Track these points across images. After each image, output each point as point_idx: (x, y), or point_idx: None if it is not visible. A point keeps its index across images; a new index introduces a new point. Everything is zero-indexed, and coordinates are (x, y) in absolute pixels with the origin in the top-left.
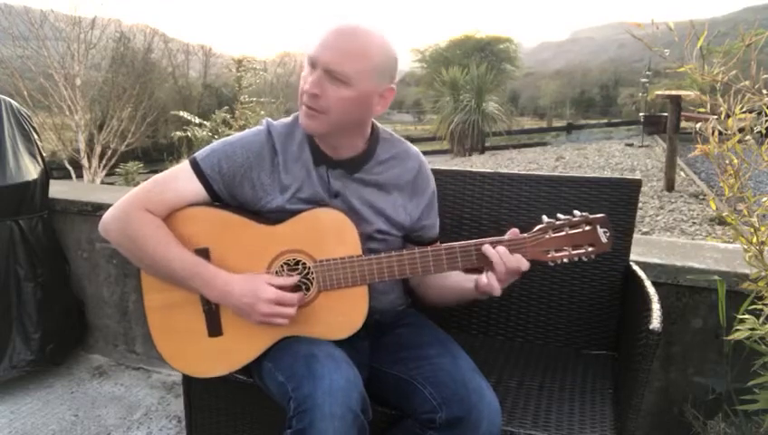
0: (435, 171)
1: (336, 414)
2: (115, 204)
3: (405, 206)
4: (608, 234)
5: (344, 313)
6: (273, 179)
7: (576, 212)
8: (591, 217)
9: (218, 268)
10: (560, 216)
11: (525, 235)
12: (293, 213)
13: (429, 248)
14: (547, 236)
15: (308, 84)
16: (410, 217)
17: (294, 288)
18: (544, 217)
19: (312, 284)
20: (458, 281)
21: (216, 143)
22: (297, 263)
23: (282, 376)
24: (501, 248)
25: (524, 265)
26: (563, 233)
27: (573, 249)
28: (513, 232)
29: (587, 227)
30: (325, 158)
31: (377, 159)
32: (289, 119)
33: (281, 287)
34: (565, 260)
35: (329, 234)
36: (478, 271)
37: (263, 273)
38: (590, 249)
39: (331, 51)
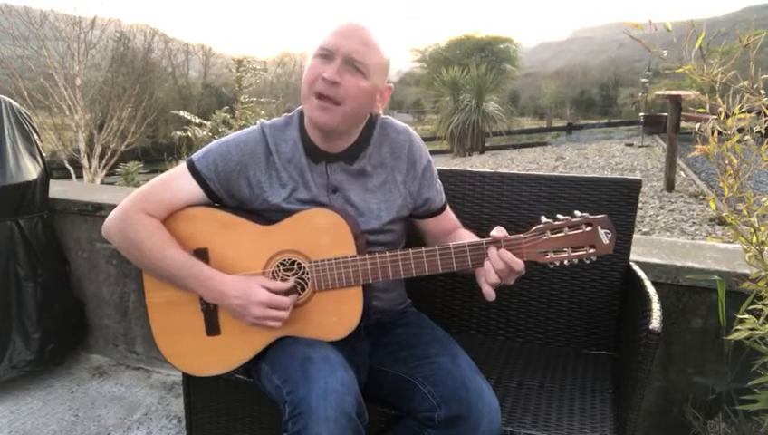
0: None
1: (330, 417)
2: (116, 208)
3: (404, 181)
4: (609, 235)
5: (339, 313)
6: (270, 177)
7: (576, 212)
8: (592, 217)
9: (213, 269)
10: (559, 216)
11: (522, 235)
12: (291, 213)
13: (423, 249)
14: (545, 237)
15: (327, 72)
16: (410, 193)
17: (289, 290)
18: (543, 218)
19: (306, 284)
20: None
21: (211, 144)
22: (293, 263)
23: (278, 379)
24: (492, 251)
25: (518, 266)
26: (562, 234)
27: (573, 251)
28: (498, 230)
29: (587, 228)
30: (322, 154)
31: (372, 144)
32: (281, 119)
33: (274, 291)
34: (565, 262)
35: (324, 234)
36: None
37: (259, 273)
38: (590, 251)
39: (351, 41)
